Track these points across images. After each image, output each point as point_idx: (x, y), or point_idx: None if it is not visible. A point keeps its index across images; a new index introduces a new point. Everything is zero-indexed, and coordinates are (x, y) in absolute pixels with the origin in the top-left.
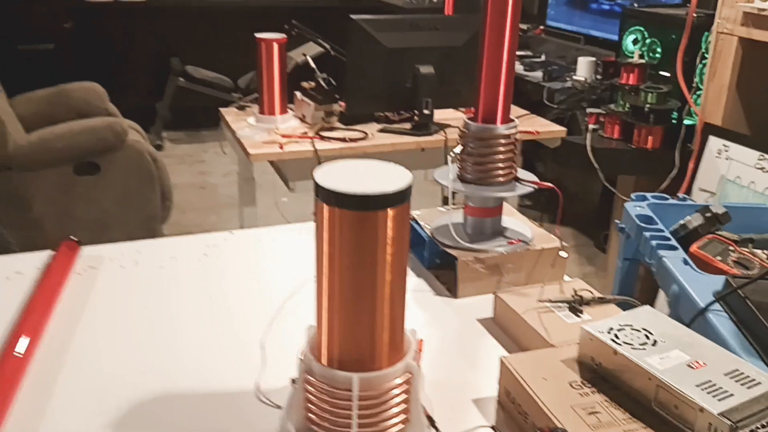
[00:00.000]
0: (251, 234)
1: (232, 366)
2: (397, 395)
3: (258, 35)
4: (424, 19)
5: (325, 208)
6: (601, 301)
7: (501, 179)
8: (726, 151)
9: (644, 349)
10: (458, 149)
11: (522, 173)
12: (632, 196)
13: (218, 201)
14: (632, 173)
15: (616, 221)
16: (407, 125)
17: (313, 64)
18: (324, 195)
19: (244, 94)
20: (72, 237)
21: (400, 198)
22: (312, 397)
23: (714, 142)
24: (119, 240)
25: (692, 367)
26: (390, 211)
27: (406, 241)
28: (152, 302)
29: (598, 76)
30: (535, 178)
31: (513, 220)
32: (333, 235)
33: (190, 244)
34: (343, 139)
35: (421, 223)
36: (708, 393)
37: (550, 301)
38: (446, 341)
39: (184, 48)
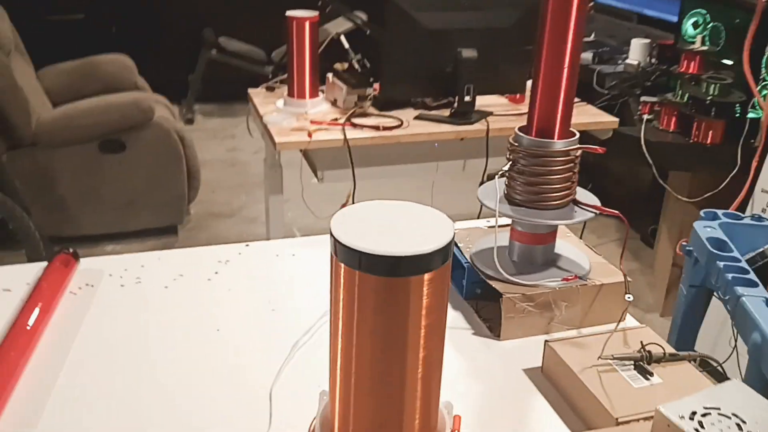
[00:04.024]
0: (268, 248)
1: (235, 419)
2: None
3: (289, 13)
4: None
5: (345, 269)
6: (674, 358)
7: (556, 203)
8: None
9: None
10: (507, 166)
11: (582, 194)
12: (702, 213)
13: (248, 179)
14: (688, 169)
15: (683, 243)
16: (446, 112)
17: (346, 44)
18: (344, 254)
19: (277, 67)
20: (68, 249)
21: (440, 258)
22: None
23: None
24: (146, 220)
25: None
26: (427, 276)
27: (445, 308)
28: (151, 334)
29: (653, 60)
30: (596, 201)
31: (567, 244)
32: (353, 303)
33: (200, 259)
34: (377, 127)
35: (461, 244)
36: None
37: (613, 357)
38: (487, 398)
39: (218, 19)
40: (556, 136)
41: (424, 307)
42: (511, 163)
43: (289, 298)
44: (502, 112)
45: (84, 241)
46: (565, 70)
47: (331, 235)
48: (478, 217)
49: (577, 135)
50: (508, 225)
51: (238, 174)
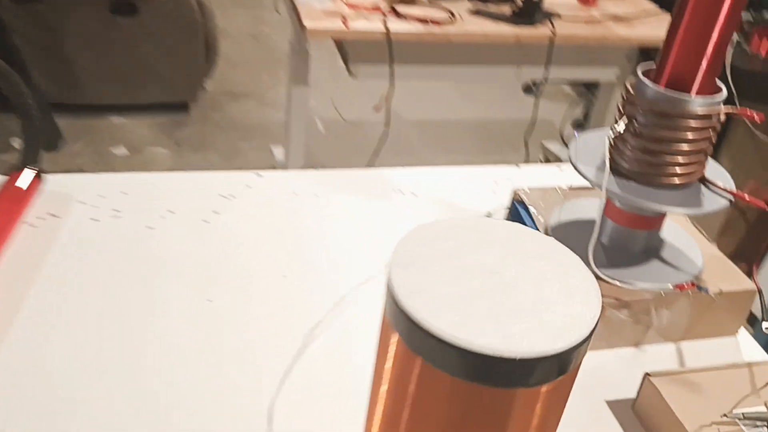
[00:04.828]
0: (284, 182)
1: None
2: None
3: None
4: None
5: (401, 348)
6: None
7: (679, 181)
8: None
9: None
10: (622, 125)
11: (712, 167)
12: None
13: (272, 55)
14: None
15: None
16: (505, 8)
17: None
18: (403, 325)
19: None
20: (32, 166)
21: (574, 359)
22: None
23: None
24: (156, 94)
25: None
26: (545, 389)
27: (560, 418)
28: (122, 298)
29: None
30: (729, 180)
31: (673, 226)
32: (412, 398)
33: (198, 189)
34: (424, 20)
35: (532, 210)
36: None
37: (743, 416)
38: None
39: None
40: (694, 90)
41: (532, 428)
42: (626, 120)
43: (305, 261)
44: (570, 16)
45: (89, 111)
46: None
47: (388, 285)
48: (525, 144)
49: (724, 92)
50: (589, 188)
51: (262, 49)
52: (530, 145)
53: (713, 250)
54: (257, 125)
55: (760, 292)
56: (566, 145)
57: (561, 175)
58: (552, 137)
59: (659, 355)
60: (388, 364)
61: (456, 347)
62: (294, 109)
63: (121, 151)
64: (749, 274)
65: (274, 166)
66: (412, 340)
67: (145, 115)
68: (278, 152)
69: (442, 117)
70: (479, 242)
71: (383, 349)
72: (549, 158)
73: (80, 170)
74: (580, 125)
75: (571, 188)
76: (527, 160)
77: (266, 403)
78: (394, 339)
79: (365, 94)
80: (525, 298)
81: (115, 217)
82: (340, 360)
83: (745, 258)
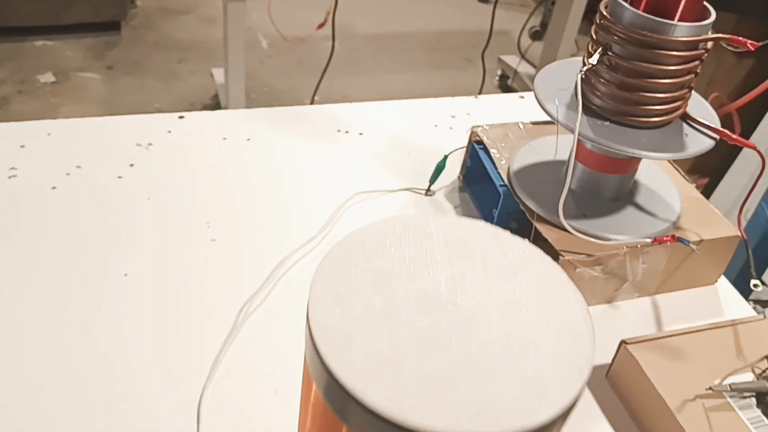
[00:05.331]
0: (211, 123)
1: None
2: None
3: None
4: None
5: (338, 425)
6: None
7: (659, 119)
8: None
9: None
10: (595, 57)
11: (694, 101)
12: None
13: None
14: (734, 11)
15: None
16: None
17: None
18: (335, 398)
19: None
20: None
21: (561, 421)
22: None
23: None
24: (83, 13)
25: None
26: None
27: None
28: (23, 274)
29: None
30: (714, 117)
31: (648, 164)
32: None
33: (110, 137)
34: None
35: (493, 153)
36: None
37: (730, 388)
38: None
39: None
40: (678, 15)
41: None
42: (600, 50)
43: (237, 221)
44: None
45: (9, 34)
46: None
47: (307, 327)
48: (483, 61)
49: (712, 15)
50: (553, 123)
51: None
52: (487, 58)
53: (691, 191)
54: (196, 44)
55: (746, 242)
56: (524, 57)
57: (522, 105)
58: (509, 50)
59: (634, 313)
60: (310, 423)
61: (396, 426)
62: (231, 25)
63: (47, 77)
64: (709, 191)
65: (215, 91)
66: (337, 405)
67: (72, 37)
68: (219, 74)
69: (393, 30)
70: (427, 256)
71: (306, 397)
72: (507, 73)
73: (3, 101)
74: (538, 35)
75: (534, 123)
76: (484, 77)
77: (194, 398)
78: (316, 393)
79: (311, 7)
80: (492, 342)
81: (12, 177)
82: (278, 340)
83: (706, 173)
